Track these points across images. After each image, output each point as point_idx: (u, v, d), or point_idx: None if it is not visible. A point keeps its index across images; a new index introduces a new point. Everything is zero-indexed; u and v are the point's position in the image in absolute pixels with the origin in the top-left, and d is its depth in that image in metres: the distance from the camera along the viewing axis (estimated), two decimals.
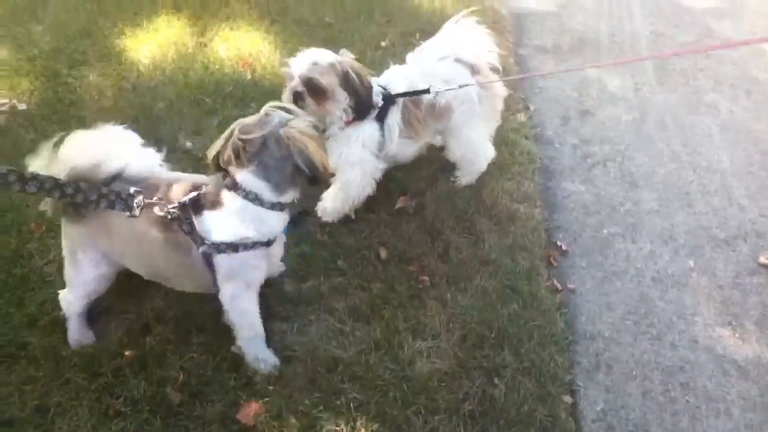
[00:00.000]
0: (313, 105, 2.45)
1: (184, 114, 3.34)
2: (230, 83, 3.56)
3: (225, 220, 1.94)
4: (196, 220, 1.94)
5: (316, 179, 1.97)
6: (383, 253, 2.68)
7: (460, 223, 2.83)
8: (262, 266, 2.10)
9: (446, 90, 2.61)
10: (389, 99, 2.62)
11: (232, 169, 1.96)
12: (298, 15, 4.20)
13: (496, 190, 2.99)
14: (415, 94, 2.63)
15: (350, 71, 2.47)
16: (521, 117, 3.56)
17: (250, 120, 1.97)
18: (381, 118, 2.62)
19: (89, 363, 2.19)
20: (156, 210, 1.90)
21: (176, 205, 1.92)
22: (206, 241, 1.93)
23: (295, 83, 2.43)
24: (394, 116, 2.65)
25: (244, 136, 1.91)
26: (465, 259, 2.67)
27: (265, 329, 2.32)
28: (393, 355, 2.29)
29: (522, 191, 3.05)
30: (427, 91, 2.59)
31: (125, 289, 2.38)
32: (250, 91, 3.51)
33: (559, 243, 2.86)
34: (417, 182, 2.98)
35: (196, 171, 2.48)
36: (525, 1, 5.03)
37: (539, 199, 3.04)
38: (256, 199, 1.95)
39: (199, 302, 2.45)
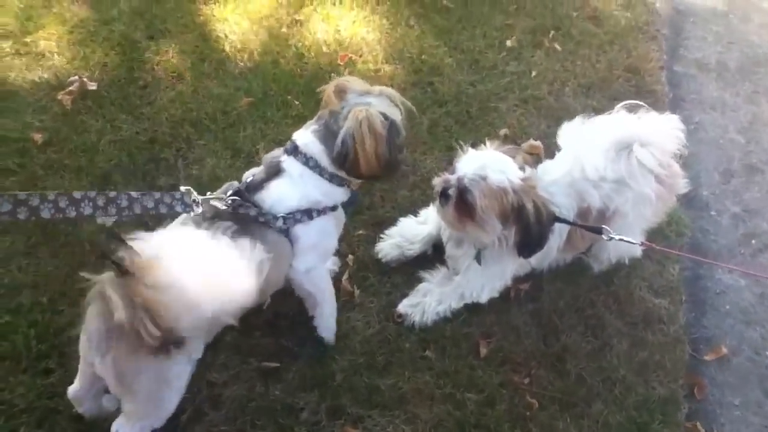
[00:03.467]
0: (452, 215, 1.99)
1: (267, 118, 2.90)
2: (324, 82, 3.04)
3: (290, 187, 1.85)
4: (259, 198, 1.83)
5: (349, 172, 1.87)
6: (483, 350, 2.21)
7: (583, 320, 2.31)
8: (335, 234, 2.05)
9: (621, 239, 2.06)
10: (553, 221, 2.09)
11: (296, 133, 1.93)
12: None
13: (632, 278, 2.43)
14: (588, 229, 2.10)
15: (528, 206, 1.95)
16: None
17: (357, 83, 1.92)
18: None
19: None
20: (215, 203, 1.76)
21: (234, 191, 1.81)
22: (278, 216, 1.82)
23: (451, 181, 2.01)
24: (555, 241, 2.14)
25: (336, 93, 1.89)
26: (585, 372, 2.17)
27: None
28: None
29: (665, 280, 2.47)
30: (599, 230, 2.05)
31: None
32: None
33: (707, 359, 2.30)
34: None
35: None
36: None
37: (685, 293, 2.45)
38: (315, 166, 1.86)
39: (261, 378, 2.10)
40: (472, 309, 2.29)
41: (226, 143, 2.80)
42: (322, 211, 1.91)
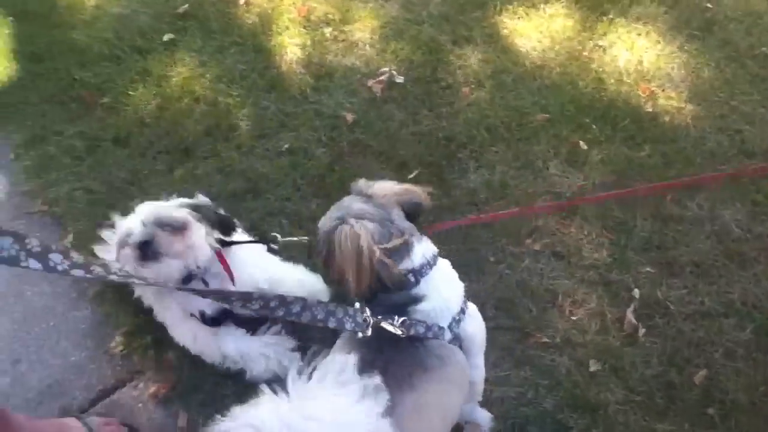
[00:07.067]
0: None
1: (562, 137, 3.01)
2: (623, 110, 3.08)
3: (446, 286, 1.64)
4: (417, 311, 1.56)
5: None
6: None
7: None
8: None
9: None
10: None
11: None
12: (726, 35, 3.46)
13: None
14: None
15: None
16: None
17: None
18: None
19: None
20: (388, 326, 1.46)
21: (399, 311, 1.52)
22: (442, 326, 1.57)
23: None
24: None
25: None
26: None
27: None
28: None
29: None
30: None
31: None
32: (646, 128, 3.01)
33: None
34: None
35: None
36: None
37: None
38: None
39: (533, 386, 2.20)
40: None
41: (518, 154, 2.95)
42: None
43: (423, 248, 1.61)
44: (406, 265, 1.56)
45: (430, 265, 1.60)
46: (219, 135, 3.14)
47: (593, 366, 2.25)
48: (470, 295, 2.36)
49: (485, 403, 2.17)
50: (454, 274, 1.70)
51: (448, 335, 1.57)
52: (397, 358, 1.43)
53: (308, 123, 3.15)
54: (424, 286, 1.57)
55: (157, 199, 2.16)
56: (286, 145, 3.05)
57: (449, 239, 2.62)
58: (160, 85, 3.38)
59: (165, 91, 3.34)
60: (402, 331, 1.45)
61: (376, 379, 1.21)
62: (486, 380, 2.20)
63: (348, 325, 1.41)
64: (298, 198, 2.84)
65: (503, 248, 2.61)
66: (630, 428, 2.10)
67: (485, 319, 2.35)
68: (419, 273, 1.57)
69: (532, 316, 2.40)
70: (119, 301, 2.50)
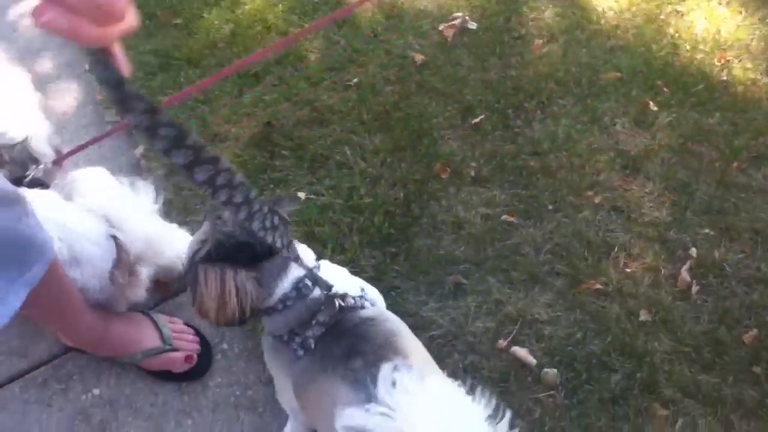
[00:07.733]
0: None
1: (632, 97, 3.04)
2: (696, 77, 3.10)
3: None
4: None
5: None
6: None
7: None
8: None
9: None
10: None
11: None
12: None
13: None
14: None
15: None
16: None
17: None
18: None
19: None
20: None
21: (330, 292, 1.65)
22: (355, 295, 1.71)
23: None
24: None
25: None
26: None
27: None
28: None
29: None
30: None
31: None
32: (718, 97, 3.03)
33: None
34: None
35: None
36: None
37: None
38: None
39: (582, 328, 2.29)
40: None
41: (585, 109, 3.00)
42: None
43: (304, 250, 1.75)
44: (302, 269, 1.67)
45: (317, 265, 1.76)
46: (288, 64, 3.24)
47: (643, 316, 2.33)
48: (527, 240, 2.53)
49: (536, 340, 2.29)
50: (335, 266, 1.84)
51: (368, 304, 1.70)
52: (370, 344, 1.52)
53: (377, 60, 3.23)
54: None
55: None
56: (355, 80, 3.14)
57: (510, 185, 2.72)
58: (233, 11, 3.48)
59: (238, 17, 3.45)
60: (339, 301, 1.59)
61: (402, 367, 1.36)
62: (537, 319, 2.35)
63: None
64: (363, 131, 2.93)
65: (563, 198, 2.67)
66: (674, 376, 2.18)
67: (540, 263, 2.51)
68: (317, 268, 1.71)
69: (587, 264, 2.48)
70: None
